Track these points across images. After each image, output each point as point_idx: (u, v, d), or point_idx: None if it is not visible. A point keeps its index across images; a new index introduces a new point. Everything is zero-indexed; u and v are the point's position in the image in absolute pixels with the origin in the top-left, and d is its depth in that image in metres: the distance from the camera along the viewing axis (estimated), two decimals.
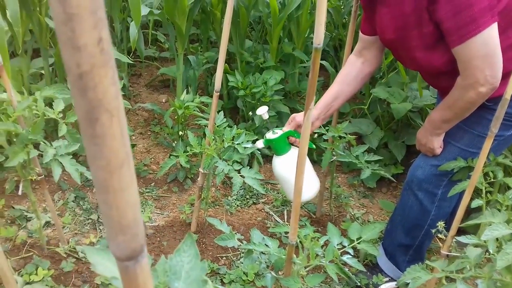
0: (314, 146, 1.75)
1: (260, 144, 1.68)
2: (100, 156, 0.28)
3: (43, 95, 1.66)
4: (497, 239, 1.17)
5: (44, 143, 1.49)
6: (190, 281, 0.55)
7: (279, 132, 1.66)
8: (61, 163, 1.45)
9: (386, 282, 1.75)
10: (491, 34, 1.26)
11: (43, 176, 1.63)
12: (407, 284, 1.35)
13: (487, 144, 1.34)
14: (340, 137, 1.89)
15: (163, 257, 0.62)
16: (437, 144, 1.55)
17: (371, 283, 1.74)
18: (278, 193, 2.27)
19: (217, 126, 1.79)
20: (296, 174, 1.07)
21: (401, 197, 1.69)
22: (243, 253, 1.84)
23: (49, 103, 1.67)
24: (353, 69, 1.64)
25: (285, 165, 1.65)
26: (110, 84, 0.27)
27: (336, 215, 2.15)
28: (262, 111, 1.76)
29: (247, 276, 1.70)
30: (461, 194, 1.62)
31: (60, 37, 0.25)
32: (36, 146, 1.51)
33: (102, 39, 0.26)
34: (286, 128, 1.66)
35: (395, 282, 1.75)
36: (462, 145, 1.51)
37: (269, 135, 1.67)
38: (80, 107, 0.27)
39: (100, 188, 0.29)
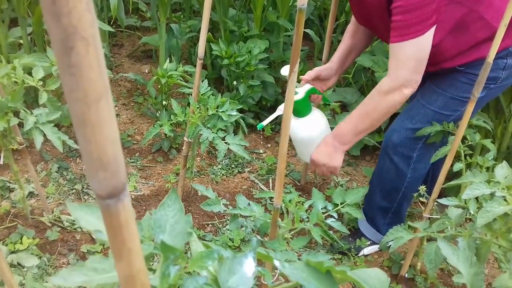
0: (328, 101, 1.76)
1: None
2: (76, 88, 0.27)
3: (21, 63, 1.62)
4: (477, 200, 1.20)
5: (25, 111, 1.47)
6: (175, 233, 0.55)
7: (300, 91, 1.55)
8: (42, 131, 1.43)
9: (369, 245, 1.78)
10: (429, 38, 1.29)
11: (25, 145, 1.61)
12: (389, 246, 1.38)
13: (469, 108, 1.36)
14: (325, 104, 1.90)
15: (148, 213, 0.62)
16: (341, 160, 1.53)
17: (352, 247, 1.78)
18: (263, 162, 2.28)
19: (201, 95, 1.77)
20: (281, 138, 1.07)
21: (378, 162, 1.71)
22: (228, 220, 1.85)
23: (29, 72, 1.63)
24: (360, 26, 1.65)
25: (309, 127, 1.58)
26: (85, 10, 0.26)
27: (320, 182, 2.17)
28: (288, 71, 1.68)
29: (233, 242, 1.72)
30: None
31: None
32: (16, 114, 1.48)
33: None
34: (304, 82, 1.61)
35: (377, 246, 1.79)
36: (436, 108, 1.52)
37: None
38: (55, 35, 0.26)
39: (78, 122, 0.28)
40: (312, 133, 1.58)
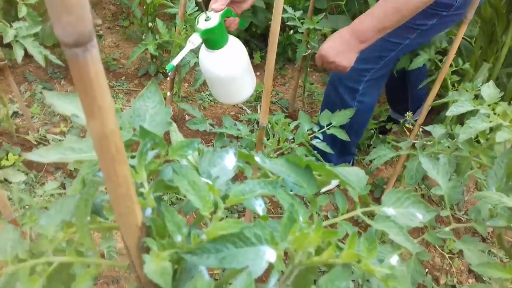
0: (246, 25, 1.57)
1: (197, 39, 1.12)
2: None
3: None
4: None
5: (4, 24, 1.41)
6: (155, 123, 0.55)
7: (213, 16, 1.14)
8: (23, 45, 1.39)
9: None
10: None
11: (6, 63, 1.56)
12: (371, 164, 1.40)
13: (461, 32, 1.34)
14: (315, 29, 1.85)
15: (129, 108, 0.61)
16: (353, 60, 1.34)
17: None
18: None
19: (188, 15, 1.72)
20: (268, 52, 1.04)
21: (325, 92, 1.65)
22: None
23: None
24: None
25: (229, 62, 1.23)
26: None
27: (309, 110, 2.17)
28: (203, 23, 1.16)
29: None
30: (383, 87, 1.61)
31: None
32: None
33: None
34: (219, 7, 1.14)
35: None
36: (385, 35, 1.37)
37: (203, 23, 1.13)
38: None
39: None
40: (233, 71, 1.24)
